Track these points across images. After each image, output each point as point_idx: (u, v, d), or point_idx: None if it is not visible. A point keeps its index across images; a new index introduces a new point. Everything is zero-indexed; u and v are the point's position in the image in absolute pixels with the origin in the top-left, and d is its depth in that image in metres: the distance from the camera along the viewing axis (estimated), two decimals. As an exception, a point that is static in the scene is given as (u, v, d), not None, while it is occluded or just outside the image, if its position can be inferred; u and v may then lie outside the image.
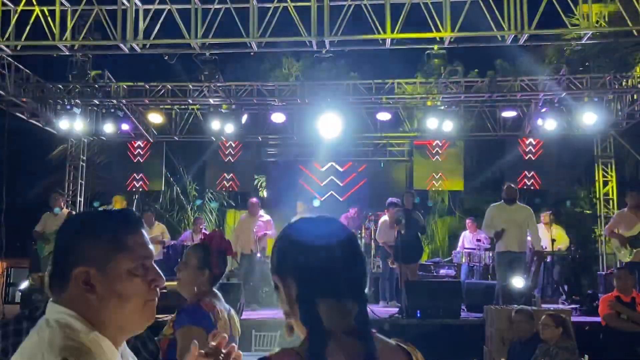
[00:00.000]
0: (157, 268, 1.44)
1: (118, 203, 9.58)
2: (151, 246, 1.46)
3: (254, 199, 10.81)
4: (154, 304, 1.42)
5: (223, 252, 3.10)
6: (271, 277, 1.38)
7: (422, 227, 9.28)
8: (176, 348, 2.78)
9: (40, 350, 1.28)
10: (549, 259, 10.25)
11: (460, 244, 11.37)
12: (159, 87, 10.90)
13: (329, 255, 1.30)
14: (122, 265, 1.37)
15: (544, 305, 8.35)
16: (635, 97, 10.36)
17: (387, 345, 1.34)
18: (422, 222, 9.27)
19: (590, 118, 9.94)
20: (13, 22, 8.28)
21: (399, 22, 7.99)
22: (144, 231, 1.46)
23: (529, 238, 8.85)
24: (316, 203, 10.87)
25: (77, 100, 10.63)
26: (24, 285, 9.46)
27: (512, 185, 9.05)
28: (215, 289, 3.04)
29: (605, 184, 11.62)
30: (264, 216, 10.66)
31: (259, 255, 10.05)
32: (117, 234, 1.40)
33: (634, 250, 8.67)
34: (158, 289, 1.42)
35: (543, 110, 10.62)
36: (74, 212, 10.31)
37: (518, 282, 8.47)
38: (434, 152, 11.86)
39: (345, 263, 1.30)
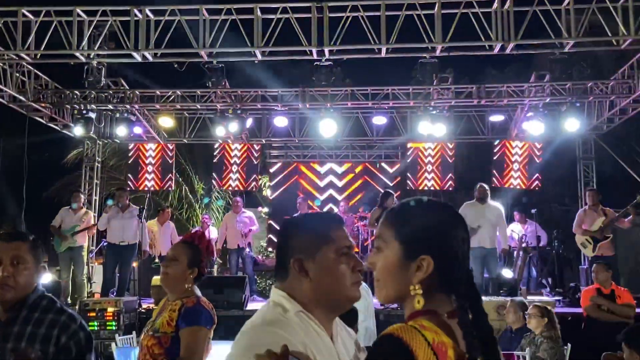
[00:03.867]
0: (357, 256, 1.63)
1: (123, 197, 9.58)
2: (351, 239, 1.65)
3: (237, 198, 10.96)
4: (358, 285, 1.60)
5: (209, 253, 3.08)
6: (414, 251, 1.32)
7: None
8: (177, 344, 2.75)
9: (256, 321, 1.52)
10: (531, 253, 10.28)
11: None
12: (169, 93, 10.90)
13: (465, 236, 1.36)
14: (329, 254, 1.58)
15: (529, 297, 8.37)
16: (614, 102, 10.40)
17: None
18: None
19: (572, 124, 9.96)
20: (33, 32, 8.29)
21: (394, 33, 8.01)
22: (343, 227, 1.66)
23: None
24: (317, 203, 10.89)
25: (92, 105, 10.64)
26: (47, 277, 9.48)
27: (484, 185, 9.11)
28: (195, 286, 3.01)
29: (587, 183, 11.63)
30: (246, 212, 10.77)
31: (247, 250, 10.10)
32: (322, 229, 1.62)
33: (597, 245, 8.74)
34: (360, 273, 1.61)
35: (529, 114, 10.63)
36: (90, 211, 10.33)
37: (507, 273, 8.51)
38: (426, 153, 11.87)
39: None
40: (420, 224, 1.33)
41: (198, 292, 2.99)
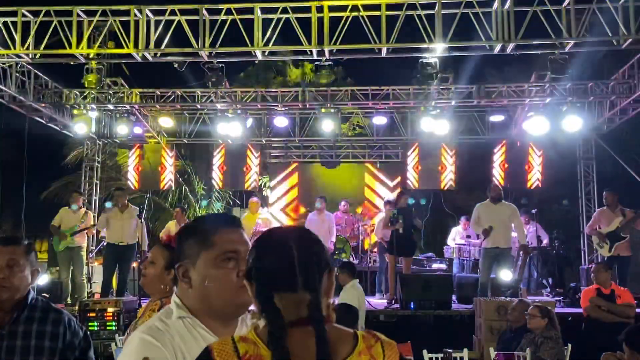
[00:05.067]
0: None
1: (121, 198, 9.58)
2: (242, 242, 1.58)
3: (254, 198, 10.89)
4: (244, 290, 1.45)
5: None
6: None
7: (414, 225, 9.26)
8: None
9: (139, 327, 1.55)
10: (532, 254, 10.28)
11: (451, 236, 11.38)
12: (169, 93, 10.91)
13: (280, 255, 1.33)
14: (208, 260, 1.54)
15: (529, 298, 8.37)
16: (614, 102, 10.40)
17: (341, 331, 1.36)
18: (415, 220, 9.27)
19: (573, 124, 9.95)
20: (32, 32, 8.30)
21: (394, 33, 8.01)
22: (237, 229, 1.60)
23: (514, 234, 8.88)
24: (318, 204, 10.84)
25: (92, 105, 10.65)
26: (44, 279, 9.48)
27: (498, 185, 9.05)
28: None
29: (587, 183, 11.63)
30: (262, 214, 10.74)
31: None
32: (204, 234, 1.57)
33: (614, 245, 8.72)
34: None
35: (529, 114, 10.63)
36: (89, 211, 10.33)
37: (506, 275, 8.49)
38: (426, 154, 11.86)
39: (297, 260, 1.32)
40: None
41: None
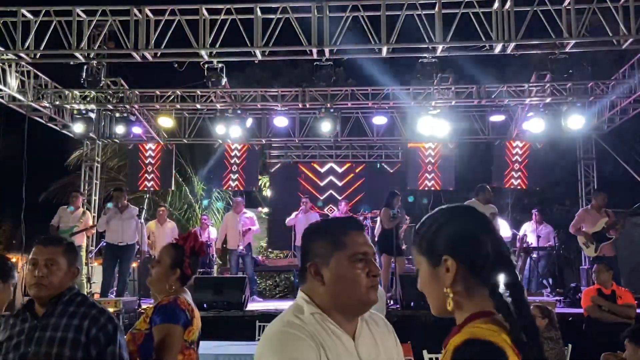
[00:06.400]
0: (374, 261, 1.69)
1: (121, 198, 9.57)
2: (369, 245, 1.70)
3: (239, 198, 10.92)
4: (374, 290, 1.67)
5: (196, 253, 3.03)
6: (436, 254, 1.39)
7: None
8: (151, 342, 2.73)
9: (275, 326, 1.61)
10: (534, 254, 10.29)
11: None
12: (169, 93, 10.90)
13: (500, 243, 1.37)
14: (341, 260, 1.65)
15: (529, 298, 8.34)
16: (614, 102, 10.39)
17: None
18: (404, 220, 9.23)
19: (576, 122, 9.94)
20: (32, 32, 8.29)
21: (394, 33, 8.01)
22: (363, 232, 1.72)
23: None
24: (304, 204, 10.87)
25: (92, 105, 10.63)
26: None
27: (490, 188, 9.18)
28: (185, 287, 2.99)
29: (587, 183, 11.62)
30: (247, 212, 10.74)
31: (241, 248, 10.04)
32: (336, 236, 1.68)
33: (600, 246, 8.74)
34: (375, 277, 1.67)
35: (529, 114, 10.63)
36: (88, 212, 10.32)
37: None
38: (426, 154, 11.86)
39: (507, 251, 1.37)
40: (433, 232, 1.42)
41: (186, 293, 2.95)
